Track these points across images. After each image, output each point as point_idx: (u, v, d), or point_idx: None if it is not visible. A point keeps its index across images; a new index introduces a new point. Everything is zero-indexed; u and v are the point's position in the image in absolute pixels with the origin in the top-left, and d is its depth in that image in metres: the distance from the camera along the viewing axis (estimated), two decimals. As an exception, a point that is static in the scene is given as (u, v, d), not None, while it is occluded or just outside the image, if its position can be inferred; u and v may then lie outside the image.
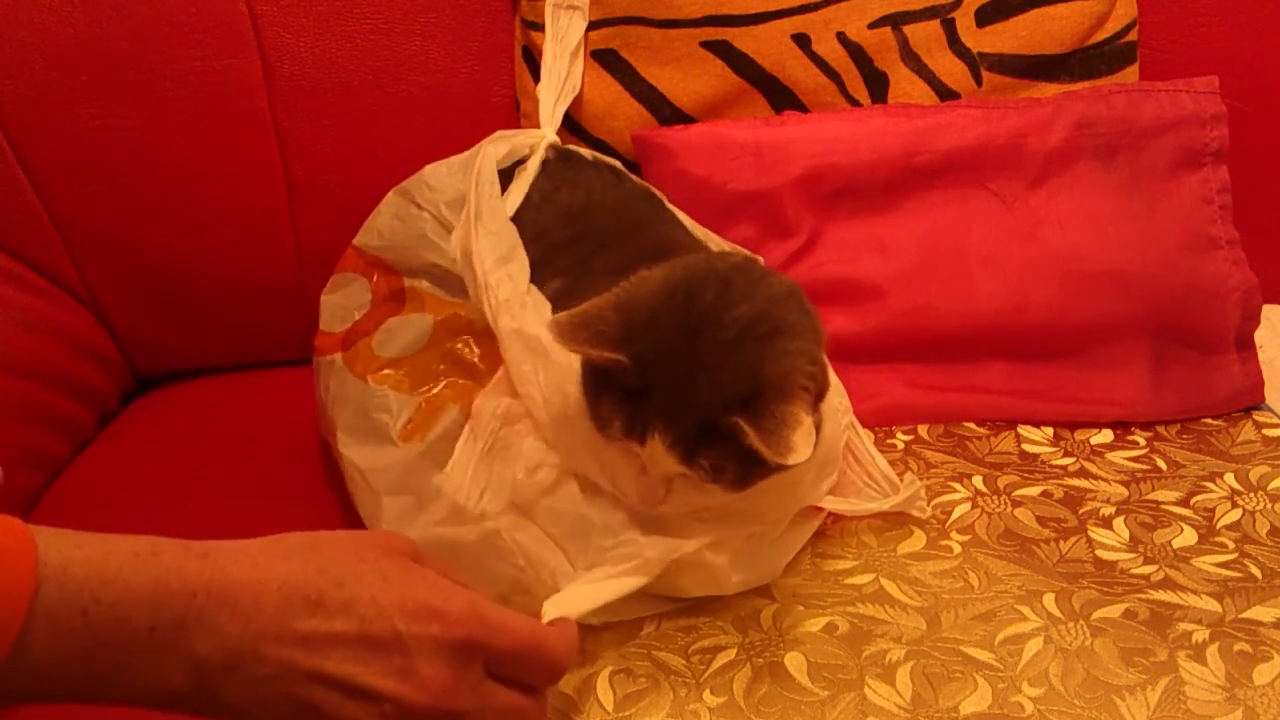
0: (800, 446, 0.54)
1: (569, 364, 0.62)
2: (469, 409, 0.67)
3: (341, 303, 0.77)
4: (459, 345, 0.71)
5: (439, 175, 0.76)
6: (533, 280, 0.68)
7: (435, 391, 0.71)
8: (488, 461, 0.64)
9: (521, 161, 0.78)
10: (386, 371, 0.71)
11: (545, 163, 0.79)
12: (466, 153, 0.79)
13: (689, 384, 0.57)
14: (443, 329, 0.72)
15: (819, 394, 0.60)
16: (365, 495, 0.69)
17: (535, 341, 0.64)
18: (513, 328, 0.65)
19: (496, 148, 0.78)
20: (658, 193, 0.84)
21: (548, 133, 0.84)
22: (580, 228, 0.73)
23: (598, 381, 0.60)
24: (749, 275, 0.62)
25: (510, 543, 0.60)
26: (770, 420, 0.55)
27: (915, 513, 0.74)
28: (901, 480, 0.74)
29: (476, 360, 0.69)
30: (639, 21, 0.93)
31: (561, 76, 0.89)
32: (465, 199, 0.72)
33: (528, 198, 0.75)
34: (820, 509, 0.70)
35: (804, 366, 0.58)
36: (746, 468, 0.57)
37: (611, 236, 0.72)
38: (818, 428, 0.59)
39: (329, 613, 0.45)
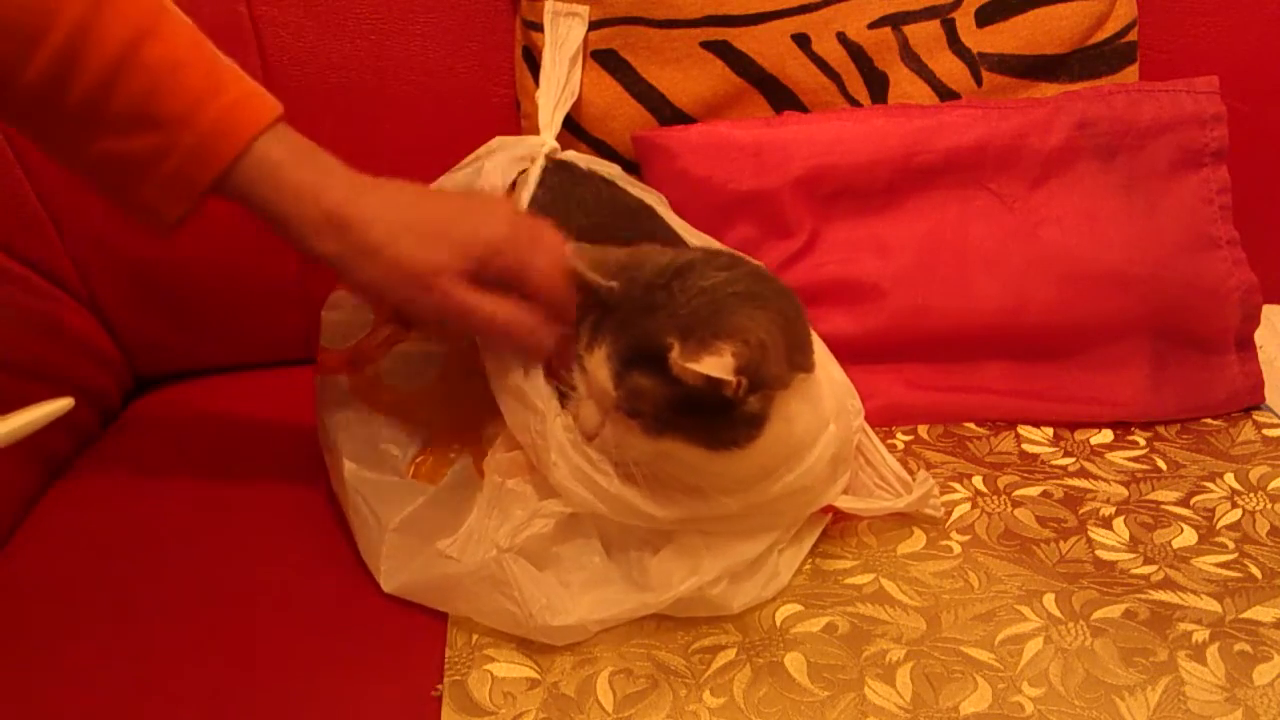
0: (707, 363, 0.56)
1: (554, 410, 0.64)
2: (480, 457, 0.68)
3: (343, 320, 0.77)
4: (470, 383, 0.71)
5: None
6: None
7: (445, 431, 0.71)
8: (493, 521, 0.64)
9: (523, 172, 0.79)
10: (397, 403, 0.72)
11: (544, 172, 0.79)
12: (468, 167, 0.79)
13: (649, 312, 0.59)
14: (454, 364, 0.72)
15: (756, 374, 0.58)
16: (369, 525, 0.68)
17: (520, 393, 0.65)
18: (501, 384, 0.66)
19: (499, 159, 0.78)
20: (654, 200, 0.83)
21: (547, 139, 0.84)
22: None
23: (586, 312, 0.63)
24: (748, 267, 0.64)
25: (509, 573, 0.61)
26: (694, 344, 0.57)
27: (929, 511, 0.74)
28: (914, 479, 0.74)
29: (488, 400, 0.69)
30: (639, 22, 0.93)
31: (561, 82, 0.89)
32: None
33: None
34: (826, 512, 0.70)
35: (756, 331, 0.58)
36: (673, 404, 0.58)
37: None
38: (764, 416, 0.60)
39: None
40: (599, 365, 0.60)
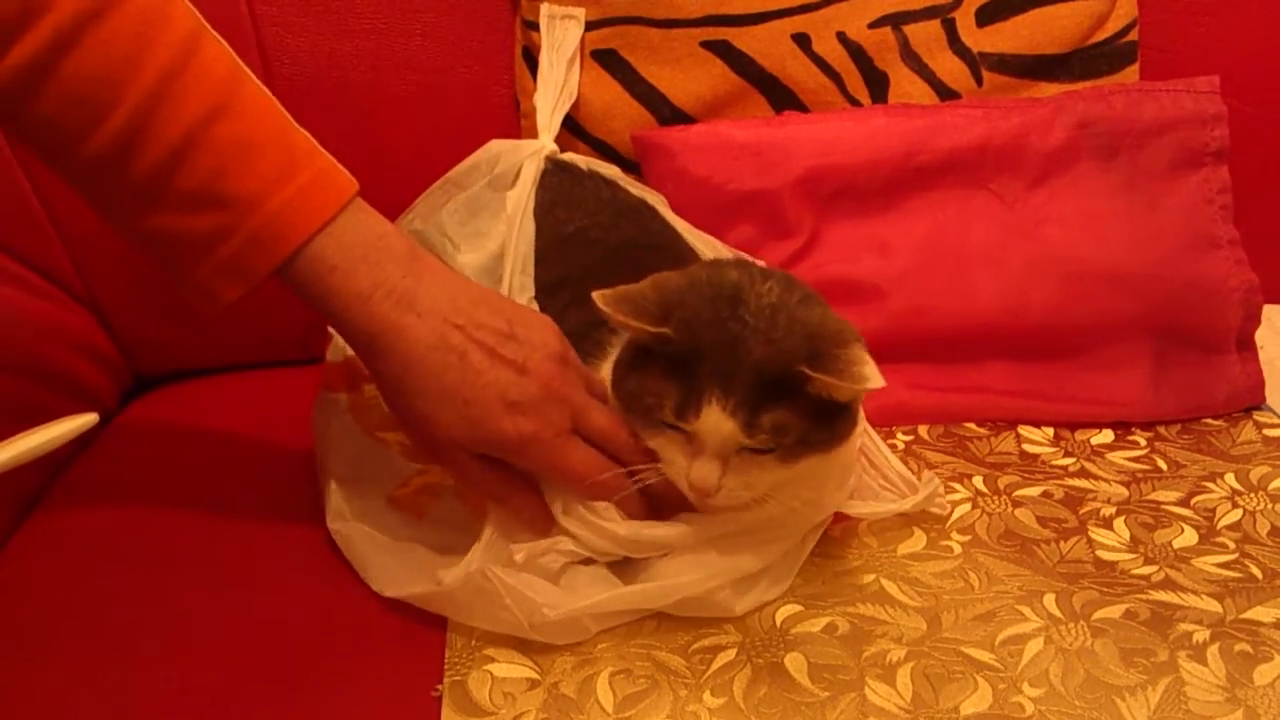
0: (872, 376, 0.56)
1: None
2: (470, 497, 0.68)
3: None
4: None
5: (456, 216, 0.76)
6: None
7: (435, 471, 0.71)
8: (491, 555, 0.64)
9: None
10: (391, 425, 0.71)
11: (545, 173, 0.79)
12: (475, 187, 0.78)
13: (741, 347, 0.57)
14: None
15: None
16: (354, 545, 0.68)
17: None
18: None
19: (523, 163, 0.78)
20: (654, 200, 0.83)
21: (545, 142, 0.84)
22: (566, 267, 0.73)
23: (639, 366, 0.61)
24: (778, 270, 0.64)
25: (496, 582, 0.60)
26: (836, 362, 0.56)
27: (935, 510, 0.74)
28: (919, 479, 0.74)
29: None
30: (639, 21, 0.93)
31: (559, 85, 0.89)
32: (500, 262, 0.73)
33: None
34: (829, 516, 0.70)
35: (850, 326, 0.60)
36: (810, 423, 0.58)
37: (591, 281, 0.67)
38: (860, 399, 0.60)
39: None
40: (723, 420, 0.57)
